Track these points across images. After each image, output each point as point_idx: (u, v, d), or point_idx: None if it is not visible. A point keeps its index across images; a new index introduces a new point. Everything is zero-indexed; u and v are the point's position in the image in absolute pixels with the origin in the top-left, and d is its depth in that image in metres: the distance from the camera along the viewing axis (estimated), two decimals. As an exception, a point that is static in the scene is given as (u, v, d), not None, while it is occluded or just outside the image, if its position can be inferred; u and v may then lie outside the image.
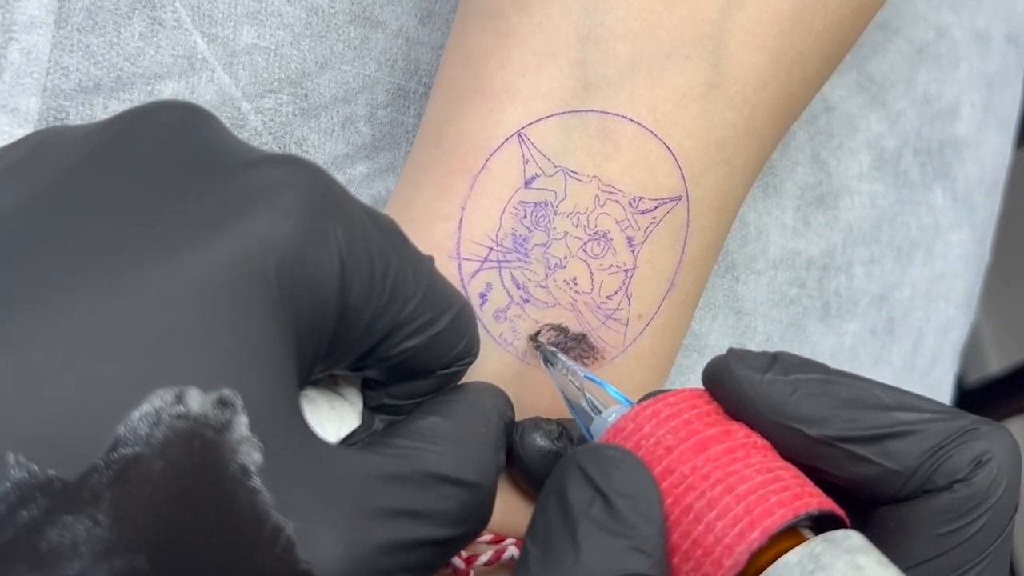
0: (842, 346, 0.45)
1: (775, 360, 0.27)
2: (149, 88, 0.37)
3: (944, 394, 0.51)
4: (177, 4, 0.37)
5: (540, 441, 0.31)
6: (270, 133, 0.38)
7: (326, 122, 0.39)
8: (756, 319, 0.43)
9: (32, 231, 0.22)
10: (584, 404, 0.30)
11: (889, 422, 0.26)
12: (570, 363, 0.31)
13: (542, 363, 0.32)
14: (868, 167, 0.46)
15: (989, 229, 0.52)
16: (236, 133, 0.32)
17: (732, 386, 0.27)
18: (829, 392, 0.27)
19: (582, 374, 0.31)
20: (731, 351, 0.28)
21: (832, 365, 0.28)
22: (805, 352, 0.44)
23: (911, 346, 0.48)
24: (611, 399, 0.30)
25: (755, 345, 0.43)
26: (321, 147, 0.39)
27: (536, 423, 0.31)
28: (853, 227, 0.45)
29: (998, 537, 0.26)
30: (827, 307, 0.45)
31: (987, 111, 0.50)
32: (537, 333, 0.32)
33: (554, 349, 0.32)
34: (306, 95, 0.38)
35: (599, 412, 0.29)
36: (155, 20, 0.37)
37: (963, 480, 0.26)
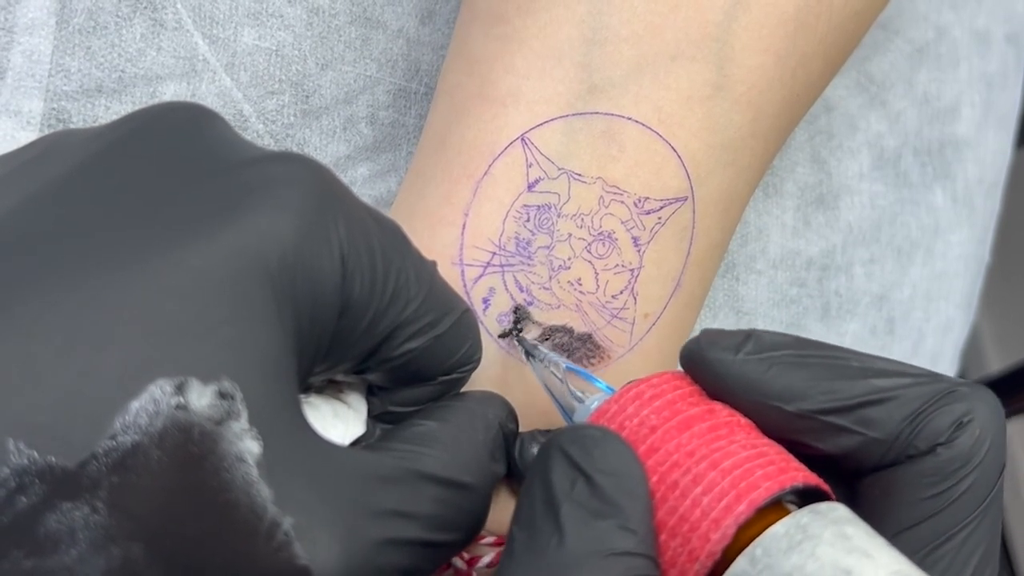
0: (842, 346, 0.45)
1: (748, 338, 0.27)
2: (151, 90, 0.37)
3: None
4: (178, 5, 0.37)
5: None
6: (271, 136, 0.38)
7: (327, 124, 0.38)
8: (756, 319, 0.43)
9: (37, 225, 0.22)
10: (568, 395, 0.29)
11: (866, 390, 0.26)
12: (551, 355, 0.31)
13: (523, 357, 0.32)
14: (868, 167, 0.46)
15: (989, 229, 0.52)
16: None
17: (707, 368, 0.27)
18: (804, 365, 0.26)
19: (563, 365, 0.30)
20: (704, 332, 0.27)
21: None
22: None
23: (911, 346, 0.48)
24: (594, 389, 0.29)
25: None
26: (323, 149, 0.38)
27: (534, 436, 0.31)
28: (853, 227, 0.45)
29: (986, 498, 0.25)
30: (827, 307, 0.45)
31: (987, 111, 0.50)
32: (513, 327, 0.32)
33: (535, 342, 0.32)
34: (307, 96, 0.38)
35: (582, 402, 0.29)
36: (156, 21, 0.36)
37: (945, 443, 0.25)
